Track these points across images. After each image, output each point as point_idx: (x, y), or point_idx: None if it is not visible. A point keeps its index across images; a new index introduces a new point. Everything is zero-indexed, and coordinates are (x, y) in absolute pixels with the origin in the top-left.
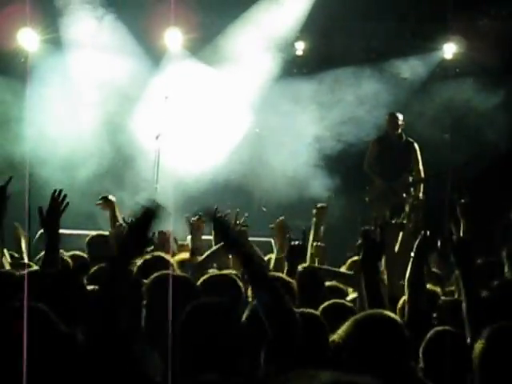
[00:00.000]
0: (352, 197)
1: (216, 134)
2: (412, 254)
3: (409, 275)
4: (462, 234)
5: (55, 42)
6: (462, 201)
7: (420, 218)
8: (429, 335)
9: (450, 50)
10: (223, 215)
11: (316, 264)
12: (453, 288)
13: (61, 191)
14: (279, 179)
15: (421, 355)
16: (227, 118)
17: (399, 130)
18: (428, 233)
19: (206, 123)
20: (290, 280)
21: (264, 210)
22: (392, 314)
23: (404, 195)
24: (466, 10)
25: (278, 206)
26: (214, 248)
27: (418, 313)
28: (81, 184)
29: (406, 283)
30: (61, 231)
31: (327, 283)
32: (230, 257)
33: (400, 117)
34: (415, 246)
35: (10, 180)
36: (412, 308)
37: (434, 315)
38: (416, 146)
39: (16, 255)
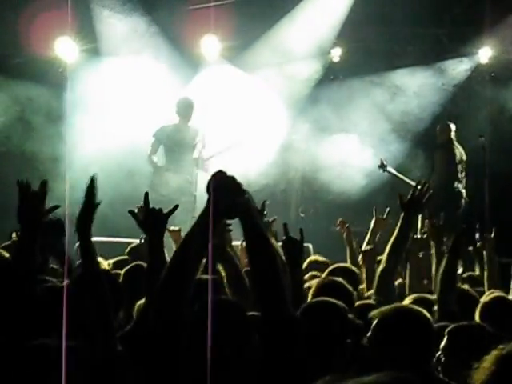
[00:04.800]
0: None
1: (253, 141)
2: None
3: (442, 273)
4: None
5: (93, 51)
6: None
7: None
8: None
9: (485, 54)
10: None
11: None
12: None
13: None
14: (317, 186)
15: None
16: (264, 125)
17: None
18: (465, 229)
19: (243, 130)
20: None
21: (302, 216)
22: (420, 309)
23: None
24: (501, 13)
25: (316, 213)
26: None
27: (448, 313)
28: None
29: (438, 281)
30: (100, 239)
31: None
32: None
33: (452, 126)
34: (451, 243)
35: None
36: (442, 308)
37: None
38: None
39: None
